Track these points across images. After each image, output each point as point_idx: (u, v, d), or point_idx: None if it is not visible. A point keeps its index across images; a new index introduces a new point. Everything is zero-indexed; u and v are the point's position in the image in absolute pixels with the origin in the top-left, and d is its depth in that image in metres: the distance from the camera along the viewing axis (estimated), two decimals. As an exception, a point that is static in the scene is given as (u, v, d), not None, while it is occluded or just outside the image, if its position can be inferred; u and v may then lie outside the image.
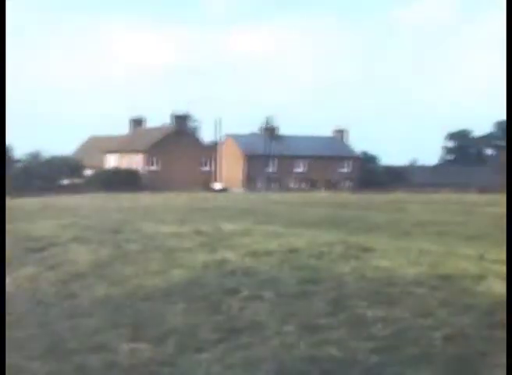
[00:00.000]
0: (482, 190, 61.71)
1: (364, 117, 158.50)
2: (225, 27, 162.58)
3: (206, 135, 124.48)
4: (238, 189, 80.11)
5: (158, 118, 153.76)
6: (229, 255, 11.43)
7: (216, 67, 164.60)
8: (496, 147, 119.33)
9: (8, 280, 9.37)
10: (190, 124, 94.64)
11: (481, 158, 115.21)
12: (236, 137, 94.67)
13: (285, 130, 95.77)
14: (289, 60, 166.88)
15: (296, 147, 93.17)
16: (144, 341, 6.30)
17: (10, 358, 5.86)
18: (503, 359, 5.63)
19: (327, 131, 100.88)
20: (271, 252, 11.87)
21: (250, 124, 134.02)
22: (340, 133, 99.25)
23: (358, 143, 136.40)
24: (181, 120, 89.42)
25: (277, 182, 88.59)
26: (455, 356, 5.75)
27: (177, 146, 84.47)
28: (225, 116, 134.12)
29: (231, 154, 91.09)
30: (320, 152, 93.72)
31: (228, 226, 16.21)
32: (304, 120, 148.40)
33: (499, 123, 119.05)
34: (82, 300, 8.54)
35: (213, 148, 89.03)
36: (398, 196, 45.05)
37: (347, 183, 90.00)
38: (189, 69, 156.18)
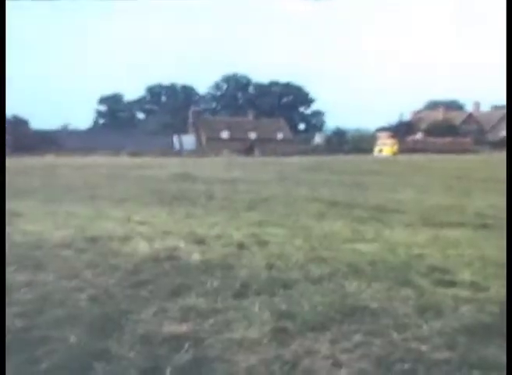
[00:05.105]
0: (133, 153, 63.28)
1: (18, 80, 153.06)
2: None
3: None
4: None
5: None
6: None
7: None
8: (146, 111, 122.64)
9: None
10: None
11: (132, 122, 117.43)
12: None
13: None
14: None
15: None
16: None
17: None
18: (143, 316, 5.88)
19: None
20: None
21: None
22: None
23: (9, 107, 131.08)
24: None
25: None
26: (99, 315, 5.85)
27: None
28: None
29: None
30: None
31: None
32: None
33: (149, 88, 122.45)
34: None
35: None
36: (50, 160, 44.41)
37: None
38: None
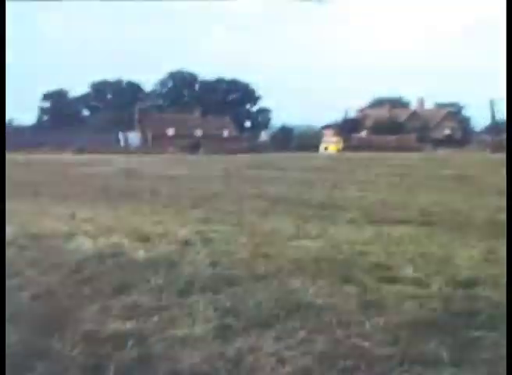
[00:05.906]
0: (79, 150, 62.59)
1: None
2: None
3: None
4: None
5: None
6: None
7: None
8: (92, 107, 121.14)
9: None
10: None
11: (78, 119, 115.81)
12: None
13: None
14: None
15: None
16: None
17: None
18: (86, 314, 5.82)
19: None
20: None
21: None
22: None
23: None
24: None
25: None
26: (42, 314, 5.78)
27: None
28: None
29: None
30: None
31: None
32: None
33: (94, 84, 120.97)
34: None
35: None
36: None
37: None
38: None
